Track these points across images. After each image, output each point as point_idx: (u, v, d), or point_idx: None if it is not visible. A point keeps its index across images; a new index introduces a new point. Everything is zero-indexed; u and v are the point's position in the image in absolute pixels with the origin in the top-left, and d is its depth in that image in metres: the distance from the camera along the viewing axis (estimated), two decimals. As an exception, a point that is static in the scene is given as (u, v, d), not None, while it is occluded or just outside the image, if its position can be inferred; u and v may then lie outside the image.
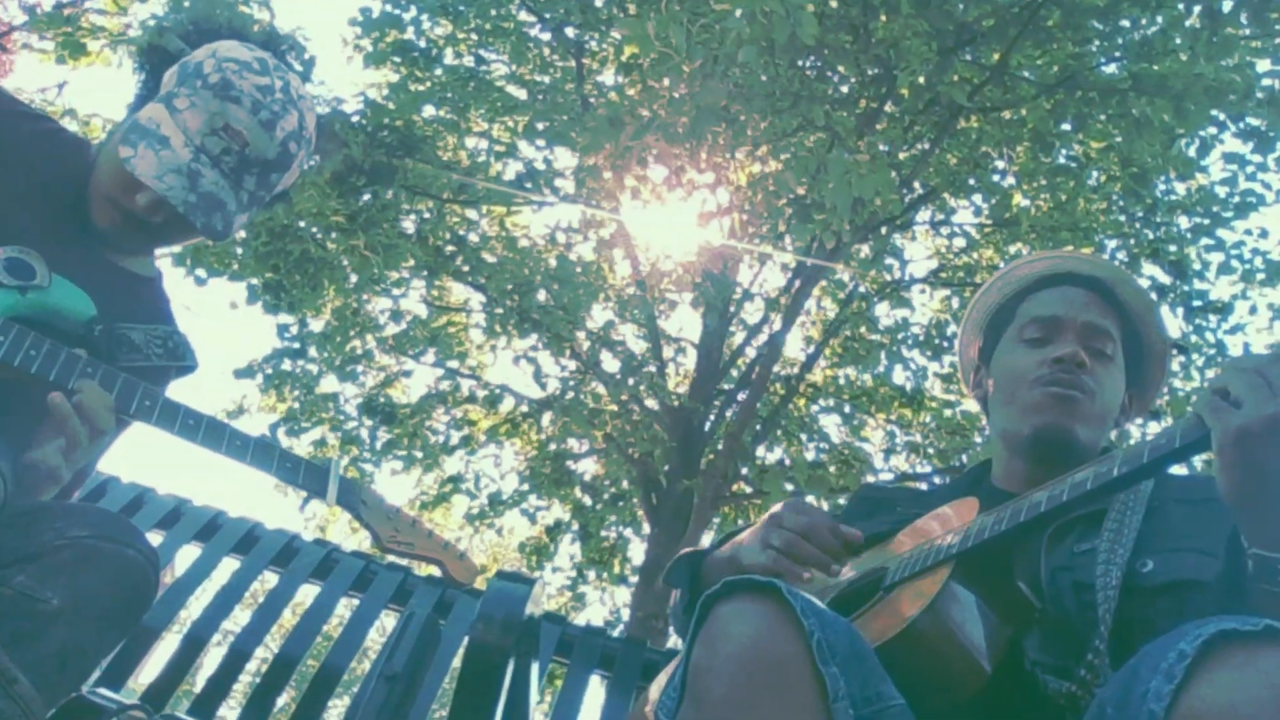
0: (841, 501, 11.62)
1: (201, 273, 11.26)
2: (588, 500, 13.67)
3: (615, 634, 3.35)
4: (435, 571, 2.33)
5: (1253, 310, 11.79)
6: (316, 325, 12.57)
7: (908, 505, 2.17)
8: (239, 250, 11.31)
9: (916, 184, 11.23)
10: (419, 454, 13.56)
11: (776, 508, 2.10)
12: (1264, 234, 11.44)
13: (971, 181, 11.51)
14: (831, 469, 12.39)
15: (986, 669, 1.62)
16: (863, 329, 12.94)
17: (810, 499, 12.54)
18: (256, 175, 2.21)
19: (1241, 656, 1.22)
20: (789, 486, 11.51)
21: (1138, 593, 1.74)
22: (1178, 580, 1.77)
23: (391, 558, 2.50)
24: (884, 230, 11.34)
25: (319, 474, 2.20)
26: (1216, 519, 1.78)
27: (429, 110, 12.06)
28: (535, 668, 2.51)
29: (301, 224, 10.93)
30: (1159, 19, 8.68)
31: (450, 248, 12.21)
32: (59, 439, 1.90)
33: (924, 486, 11.41)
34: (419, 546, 2.33)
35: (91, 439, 1.94)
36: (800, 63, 9.19)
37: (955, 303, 12.93)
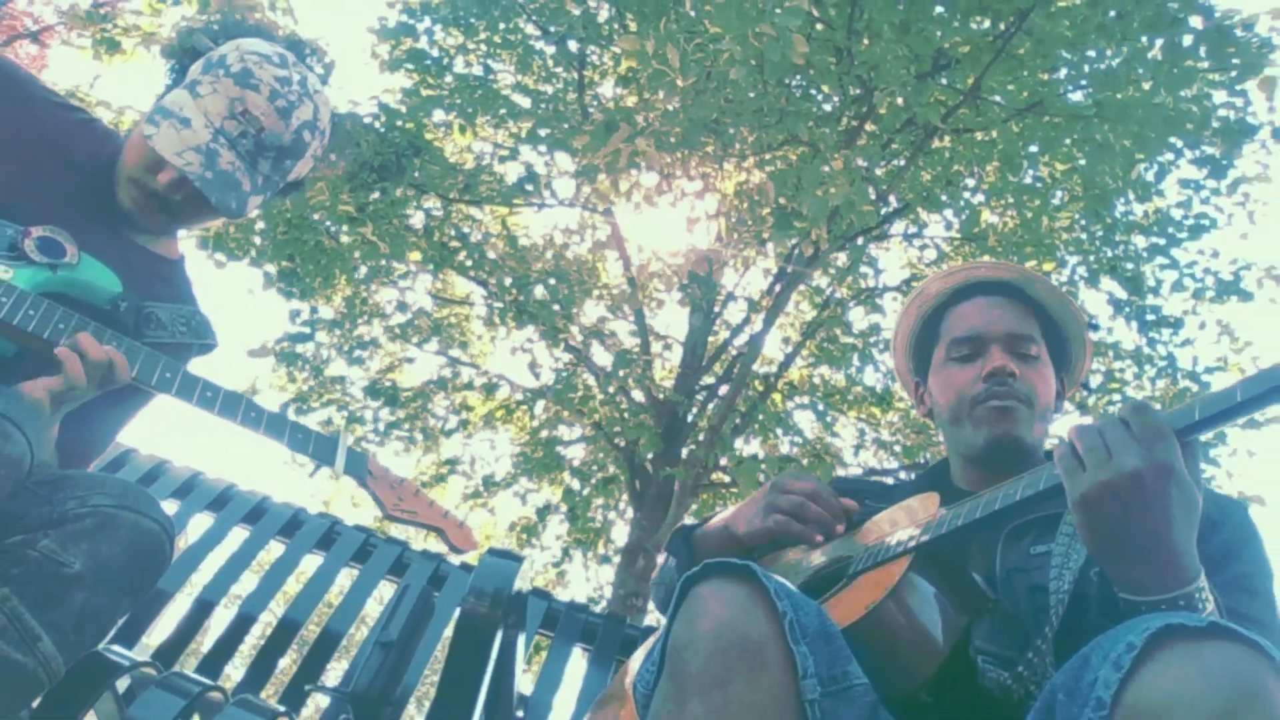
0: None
1: (221, 257, 11.26)
2: (576, 484, 13.68)
3: (597, 610, 3.34)
4: (433, 543, 2.33)
5: (1202, 326, 11.83)
6: (327, 312, 12.56)
7: (875, 499, 2.17)
8: (257, 239, 11.31)
9: (893, 198, 11.23)
10: (419, 436, 13.56)
11: (778, 477, 2.11)
12: (1215, 254, 11.47)
13: (943, 197, 11.49)
14: (805, 462, 12.40)
15: (941, 654, 1.63)
16: (838, 331, 12.95)
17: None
18: (272, 159, 2.21)
19: (1185, 649, 1.23)
20: (761, 479, 11.55)
21: (1088, 600, 1.74)
22: None
23: (394, 526, 2.51)
24: (860, 240, 11.34)
25: (328, 445, 2.20)
26: None
27: (439, 114, 12.05)
28: (522, 639, 2.50)
29: (316, 216, 10.91)
30: (1123, 50, 8.68)
31: (455, 244, 12.20)
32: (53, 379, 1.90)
33: (890, 481, 11.43)
34: (421, 515, 2.34)
35: (93, 386, 1.94)
36: (787, 81, 9.19)
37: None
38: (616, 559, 12.83)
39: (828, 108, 10.26)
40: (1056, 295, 2.20)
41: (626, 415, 12.02)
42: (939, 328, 2.26)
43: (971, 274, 2.26)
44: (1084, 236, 11.72)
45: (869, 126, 10.00)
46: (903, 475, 12.31)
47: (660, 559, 2.37)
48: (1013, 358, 2.10)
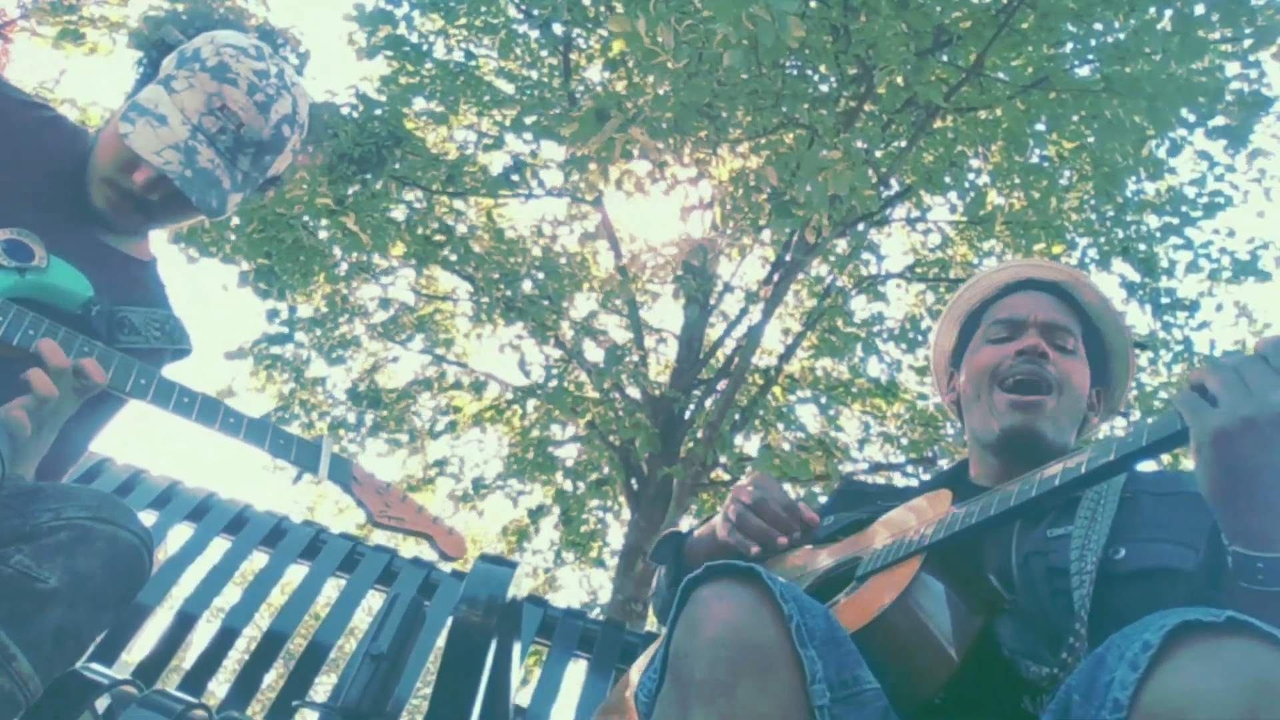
0: (817, 489, 11.68)
1: (194, 252, 11.24)
2: (569, 485, 13.69)
3: (594, 616, 3.35)
4: (422, 550, 2.33)
5: (1219, 308, 11.86)
6: (306, 311, 12.54)
7: (887, 500, 2.18)
8: (232, 235, 11.28)
9: (894, 181, 11.24)
10: (404, 438, 13.57)
11: (742, 480, 2.13)
12: (1231, 233, 11.48)
13: (947, 179, 11.51)
14: (816, 455, 12.40)
15: (955, 659, 1.63)
16: (839, 322, 12.96)
17: (787, 486, 12.59)
18: (251, 155, 2.21)
19: (1204, 647, 1.22)
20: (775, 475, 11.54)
21: (1111, 579, 1.75)
22: (1151, 568, 1.77)
23: (381, 533, 2.51)
24: (861, 226, 11.35)
25: (311, 451, 2.20)
26: (1187, 511, 1.80)
27: (419, 102, 12.04)
28: (517, 648, 2.51)
29: (293, 211, 10.89)
30: (1132, 22, 8.69)
31: (439, 237, 12.19)
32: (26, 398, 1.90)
33: (901, 481, 11.47)
34: (409, 521, 2.34)
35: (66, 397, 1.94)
36: (782, 62, 9.19)
37: (929, 298, 13.01)
38: (612, 563, 12.84)
39: (824, 88, 10.26)
40: (1105, 304, 2.27)
41: (621, 413, 12.03)
42: (982, 317, 2.33)
43: (1025, 270, 2.33)
44: (1094, 217, 11.73)
45: (868, 107, 10.00)
46: (910, 469, 12.34)
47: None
48: (1049, 344, 2.15)
